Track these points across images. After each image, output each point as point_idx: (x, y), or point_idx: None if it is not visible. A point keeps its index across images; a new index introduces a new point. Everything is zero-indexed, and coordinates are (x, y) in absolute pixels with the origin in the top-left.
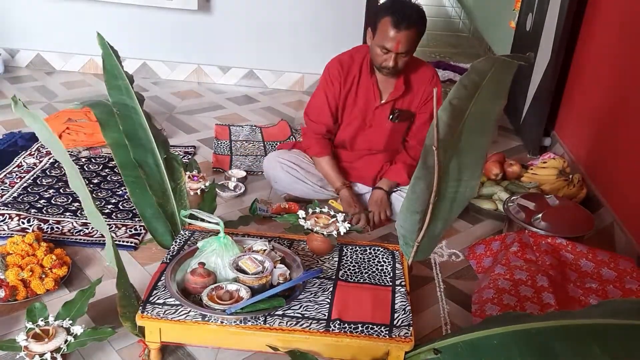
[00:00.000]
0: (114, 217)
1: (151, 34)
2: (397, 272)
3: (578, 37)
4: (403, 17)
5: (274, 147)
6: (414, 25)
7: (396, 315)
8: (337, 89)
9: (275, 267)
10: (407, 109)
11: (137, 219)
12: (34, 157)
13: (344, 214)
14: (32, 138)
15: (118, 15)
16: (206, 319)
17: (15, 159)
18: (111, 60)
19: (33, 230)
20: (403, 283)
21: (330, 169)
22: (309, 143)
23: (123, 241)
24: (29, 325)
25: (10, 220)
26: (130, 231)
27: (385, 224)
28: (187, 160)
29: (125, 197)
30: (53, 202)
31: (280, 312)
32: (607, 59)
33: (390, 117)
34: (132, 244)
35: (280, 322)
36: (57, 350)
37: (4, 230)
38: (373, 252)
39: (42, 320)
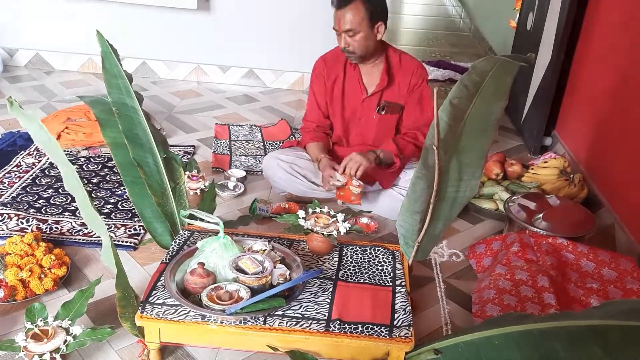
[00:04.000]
0: (113, 217)
1: (150, 33)
2: (397, 272)
3: (578, 37)
4: None
5: (274, 146)
6: (349, 2)
7: (396, 315)
8: (322, 83)
9: (275, 267)
10: (393, 101)
11: (136, 219)
12: (32, 157)
13: (344, 214)
14: (30, 137)
15: (117, 15)
16: (206, 319)
17: (14, 159)
18: (110, 59)
19: (32, 230)
20: (403, 283)
21: (316, 146)
22: (302, 137)
23: (122, 241)
24: (28, 325)
25: (9, 220)
26: (130, 231)
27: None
28: (186, 160)
29: (125, 196)
30: (52, 202)
31: (280, 312)
32: (607, 58)
33: (377, 109)
34: (132, 244)
35: (280, 322)
36: (56, 350)
37: (2, 230)
38: (373, 252)
39: (41, 321)
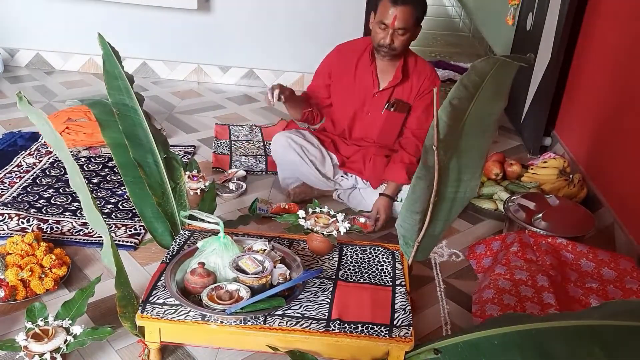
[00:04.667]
0: (114, 217)
1: (151, 33)
2: (397, 272)
3: (578, 37)
4: None
5: None
6: (411, 1)
7: (396, 315)
8: (327, 70)
9: (275, 267)
10: (403, 99)
11: (136, 219)
12: (33, 157)
13: (343, 214)
14: (31, 138)
15: (118, 15)
16: (206, 319)
17: (14, 159)
18: (111, 61)
19: (32, 230)
20: (403, 283)
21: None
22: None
23: (123, 241)
24: (29, 325)
25: (9, 220)
26: (130, 231)
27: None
28: (186, 160)
29: (125, 196)
30: (52, 202)
31: (280, 312)
32: (607, 58)
33: (386, 105)
34: (132, 244)
35: (280, 322)
36: (57, 350)
37: (3, 230)
38: (373, 252)
39: (41, 320)
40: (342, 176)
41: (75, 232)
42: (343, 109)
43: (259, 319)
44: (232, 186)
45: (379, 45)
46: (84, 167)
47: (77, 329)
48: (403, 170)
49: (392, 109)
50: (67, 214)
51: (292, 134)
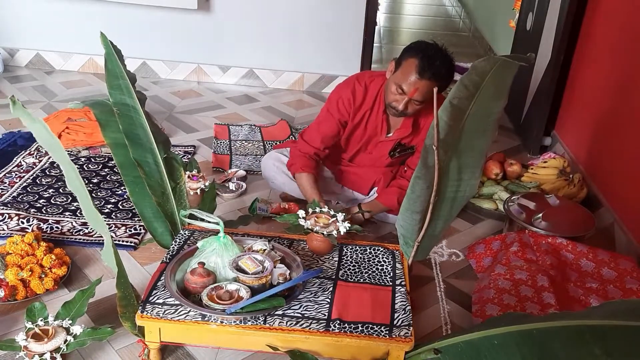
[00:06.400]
0: (114, 217)
1: (151, 33)
2: (397, 271)
3: (578, 37)
4: (430, 66)
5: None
6: (438, 78)
7: (396, 315)
8: (341, 119)
9: (275, 267)
10: (410, 144)
11: (136, 219)
12: (33, 157)
13: (344, 214)
14: (31, 137)
15: (118, 15)
16: (206, 318)
17: (14, 159)
18: (113, 60)
19: (32, 230)
20: (403, 283)
21: (309, 184)
22: (293, 161)
23: (123, 241)
24: (29, 325)
25: (9, 219)
26: (130, 231)
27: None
28: (187, 160)
29: (125, 196)
30: (52, 202)
31: (280, 312)
32: (607, 58)
33: (391, 153)
34: (132, 244)
35: (280, 322)
36: (57, 350)
37: (3, 230)
38: (373, 252)
39: (41, 320)
40: (341, 188)
41: (75, 232)
42: (346, 143)
43: (259, 319)
44: (232, 186)
45: (390, 105)
46: (84, 167)
47: (77, 329)
48: (395, 196)
49: (397, 156)
50: (67, 213)
51: (280, 155)
